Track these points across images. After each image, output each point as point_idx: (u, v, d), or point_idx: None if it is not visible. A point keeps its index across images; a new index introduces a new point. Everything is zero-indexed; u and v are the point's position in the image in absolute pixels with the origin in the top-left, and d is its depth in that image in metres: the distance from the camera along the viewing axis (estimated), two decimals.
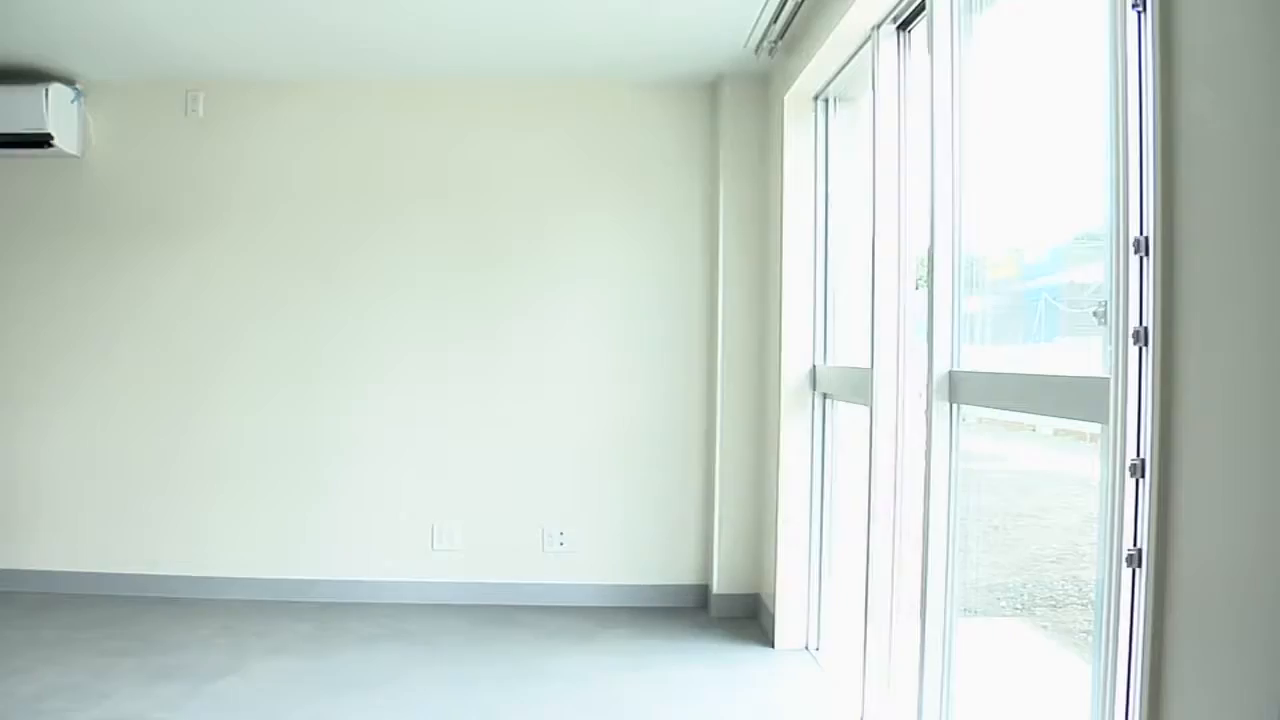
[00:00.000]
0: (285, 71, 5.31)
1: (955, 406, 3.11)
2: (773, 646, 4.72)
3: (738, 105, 5.21)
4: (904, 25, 3.58)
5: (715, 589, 5.24)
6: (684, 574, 5.43)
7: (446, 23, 4.57)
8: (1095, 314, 2.37)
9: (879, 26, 3.64)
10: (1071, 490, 3.28)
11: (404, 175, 5.44)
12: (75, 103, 5.38)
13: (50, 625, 4.92)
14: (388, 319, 5.42)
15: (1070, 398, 2.44)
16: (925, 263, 3.26)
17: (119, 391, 5.52)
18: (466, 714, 3.88)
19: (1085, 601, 3.00)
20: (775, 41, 4.55)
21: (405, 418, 5.42)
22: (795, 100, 4.68)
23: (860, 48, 3.90)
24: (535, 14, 4.43)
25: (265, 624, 4.99)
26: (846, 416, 4.47)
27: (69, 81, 5.36)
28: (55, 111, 5.21)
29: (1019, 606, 3.52)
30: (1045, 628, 3.41)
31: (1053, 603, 3.34)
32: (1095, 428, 2.27)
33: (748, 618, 5.16)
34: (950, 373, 3.12)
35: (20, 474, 5.57)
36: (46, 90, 5.16)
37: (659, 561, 5.43)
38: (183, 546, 5.49)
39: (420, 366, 5.42)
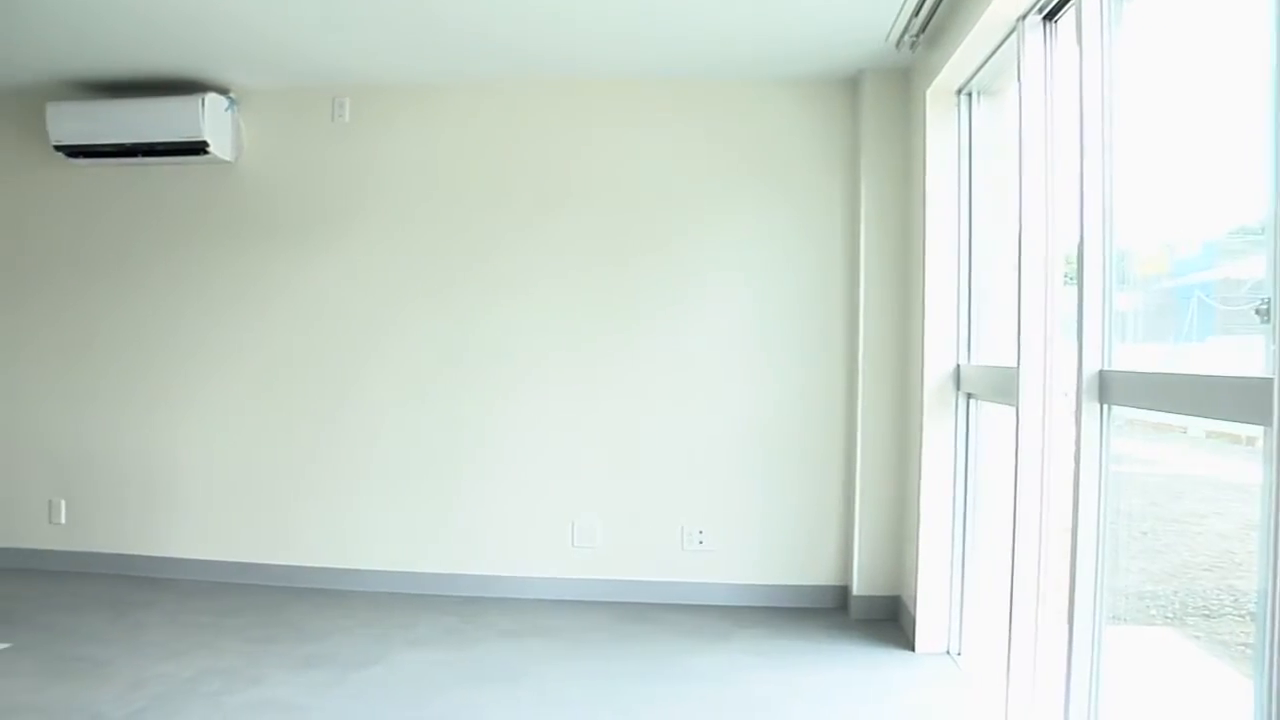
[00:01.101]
0: (425, 75, 5.43)
1: (1106, 407, 3.01)
2: (913, 650, 4.64)
3: (878, 100, 5.13)
4: (1050, 15, 3.48)
5: (855, 590, 5.17)
6: (823, 574, 5.37)
7: (581, 23, 4.60)
8: (1258, 311, 2.27)
9: (1024, 18, 3.54)
10: (1225, 495, 3.14)
11: (538, 175, 5.51)
12: (229, 111, 5.60)
13: (203, 612, 5.14)
14: (527, 317, 5.50)
15: (1230, 399, 2.33)
16: (1073, 258, 3.16)
17: (270, 387, 5.73)
18: (605, 709, 3.91)
19: (1243, 613, 2.87)
20: (916, 35, 4.47)
21: (546, 416, 5.50)
22: (937, 95, 4.59)
23: (1004, 40, 3.81)
24: (675, 12, 4.44)
25: (408, 616, 5.12)
26: (991, 416, 4.37)
27: (223, 91, 5.60)
28: (210, 120, 5.43)
29: (1170, 615, 3.38)
30: (1198, 638, 3.28)
31: (1206, 612, 3.20)
32: (1254, 430, 2.17)
33: (888, 620, 5.09)
34: (1101, 372, 3.02)
35: (176, 467, 5.83)
36: (203, 100, 5.39)
37: (798, 561, 5.39)
38: (328, 539, 5.67)
39: (560, 365, 5.49)
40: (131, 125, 5.45)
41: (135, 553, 5.87)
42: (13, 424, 5.99)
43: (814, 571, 5.38)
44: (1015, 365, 3.58)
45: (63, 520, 5.97)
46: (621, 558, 5.47)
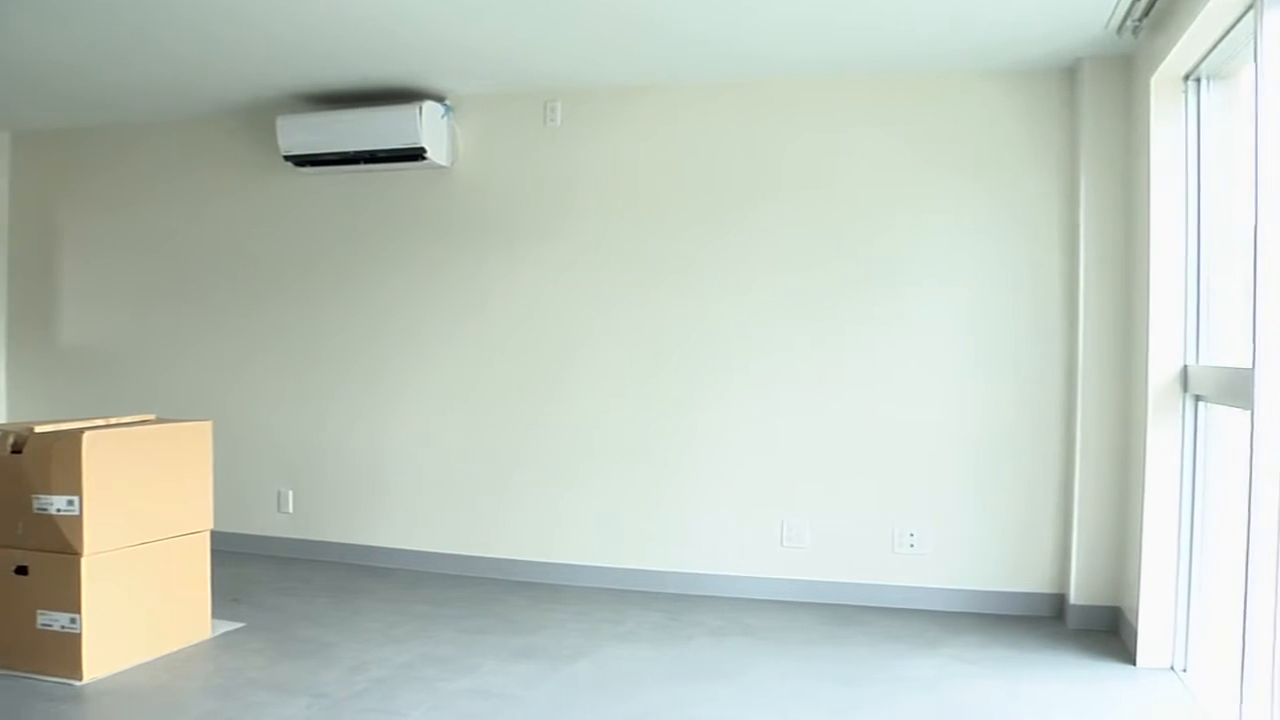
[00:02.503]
0: (632, 77, 5.50)
1: None
2: (1134, 664, 4.42)
3: (1098, 90, 4.91)
4: None
5: (1072, 599, 4.97)
6: (1037, 581, 5.19)
7: (789, 20, 4.57)
8: None
9: None
10: None
11: (745, 174, 5.50)
12: (445, 118, 5.80)
13: (420, 601, 5.34)
14: (735, 317, 5.51)
15: None
16: None
17: (482, 383, 5.91)
18: (810, 710, 3.87)
19: None
20: (1140, 19, 4.26)
21: (754, 415, 5.49)
22: (1163, 81, 4.35)
23: (1239, 19, 3.58)
24: (877, 2, 4.36)
25: (617, 611, 5.19)
26: (1222, 420, 4.12)
27: (439, 98, 5.80)
28: (427, 126, 5.64)
29: None
30: None
31: None
32: None
33: (1107, 631, 4.86)
34: None
35: (395, 460, 6.10)
36: (420, 108, 5.60)
37: (1011, 567, 5.22)
38: (540, 534, 5.81)
39: (768, 365, 5.47)
40: (353, 134, 5.72)
41: (356, 542, 6.17)
42: (247, 419, 6.38)
43: (1028, 578, 5.20)
44: (1250, 366, 3.37)
45: (290, 509, 6.33)
46: (830, 558, 5.41)
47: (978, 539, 5.25)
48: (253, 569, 5.96)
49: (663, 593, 5.55)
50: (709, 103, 5.56)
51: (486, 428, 5.92)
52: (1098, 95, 4.91)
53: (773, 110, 5.48)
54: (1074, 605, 4.96)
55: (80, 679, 4.00)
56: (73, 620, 4.03)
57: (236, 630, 4.77)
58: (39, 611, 4.07)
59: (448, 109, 5.83)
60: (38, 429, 4.16)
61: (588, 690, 4.06)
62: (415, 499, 6.08)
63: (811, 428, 5.42)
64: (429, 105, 5.67)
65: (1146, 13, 4.19)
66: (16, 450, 4.14)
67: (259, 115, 6.24)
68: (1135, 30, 4.37)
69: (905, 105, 5.32)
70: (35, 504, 4.07)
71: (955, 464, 5.27)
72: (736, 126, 5.53)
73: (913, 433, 5.31)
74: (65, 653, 4.03)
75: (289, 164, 5.96)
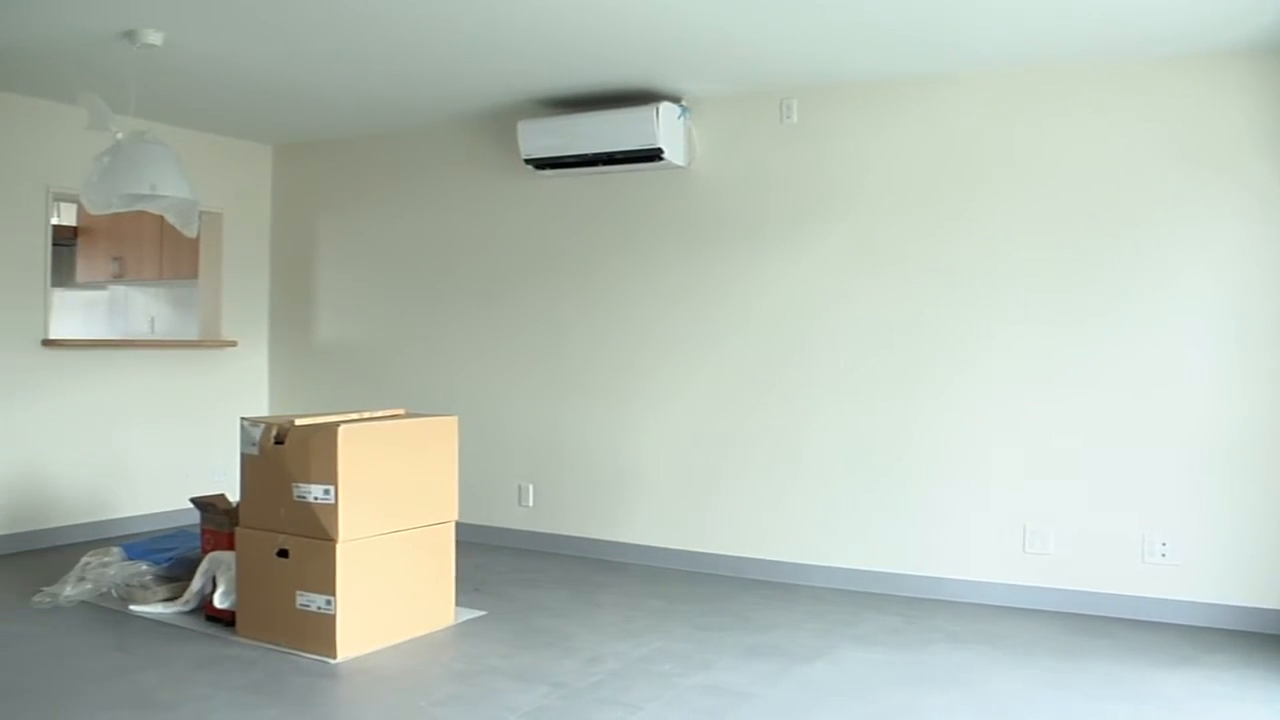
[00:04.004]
0: (869, 73, 5.39)
1: None
2: None
3: None
4: None
5: None
6: None
7: (1032, 12, 4.38)
8: None
9: None
10: None
11: (983, 167, 5.30)
12: (681, 118, 5.83)
13: (655, 596, 5.38)
14: (973, 314, 5.32)
15: None
16: None
17: (719, 380, 5.93)
18: None
19: None
20: None
21: (995, 414, 5.28)
22: None
23: None
24: None
25: (852, 613, 5.10)
26: None
27: (675, 99, 5.84)
28: (664, 127, 5.69)
29: None
30: None
31: None
32: None
33: None
34: None
35: (631, 458, 6.18)
36: (657, 109, 5.65)
37: (1272, 582, 4.83)
38: (772, 532, 5.77)
39: (1015, 362, 5.24)
40: (591, 137, 5.83)
41: (593, 536, 6.28)
42: (491, 415, 6.60)
43: None
44: None
45: (530, 503, 6.50)
46: (1074, 566, 5.14)
47: (1235, 550, 4.87)
48: (494, 560, 6.15)
49: (898, 595, 5.41)
50: (944, 96, 5.38)
51: (722, 425, 5.92)
52: None
53: (1013, 101, 5.25)
54: None
55: (334, 657, 4.22)
56: (328, 602, 4.25)
57: (478, 618, 4.93)
58: (298, 592, 4.31)
59: (684, 110, 5.86)
60: (298, 422, 4.41)
61: (824, 691, 3.99)
62: (651, 495, 6.14)
63: (1057, 429, 5.16)
64: (665, 106, 5.71)
65: None
66: (279, 441, 4.39)
67: (500, 120, 6.44)
68: None
69: (1139, 91, 5.00)
70: (295, 492, 4.32)
71: (1211, 470, 4.91)
72: (974, 119, 5.33)
73: (1164, 435, 4.97)
74: (321, 632, 4.26)
75: (529, 167, 6.12)
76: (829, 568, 5.61)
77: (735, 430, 5.88)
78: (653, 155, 5.73)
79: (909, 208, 5.46)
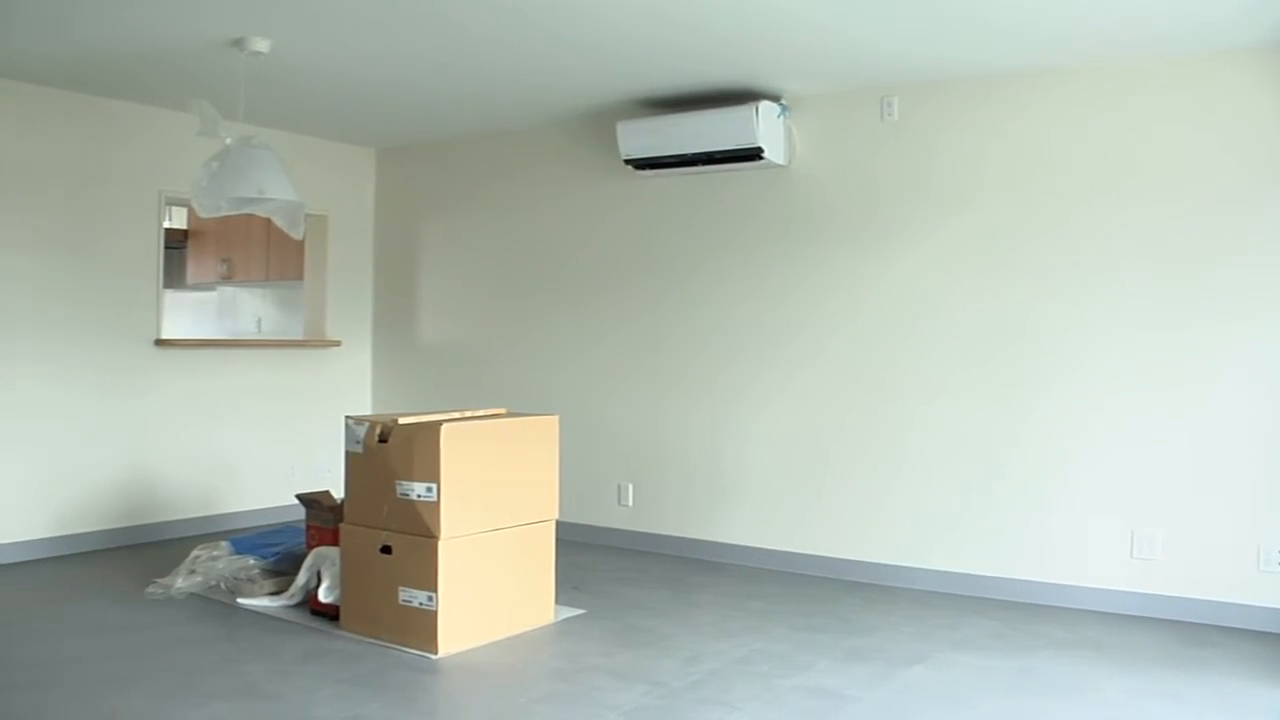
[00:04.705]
0: (972, 70, 5.31)
1: None
2: None
3: None
4: None
5: None
6: None
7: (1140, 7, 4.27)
8: None
9: None
10: None
11: (1086, 165, 5.16)
12: (781, 117, 5.80)
13: (754, 597, 5.36)
14: (1081, 310, 5.19)
15: None
16: None
17: (820, 380, 5.88)
18: None
19: None
20: None
21: (1102, 414, 5.15)
22: None
23: None
24: None
25: (952, 616, 5.02)
26: None
27: (775, 98, 5.81)
28: (764, 126, 5.66)
29: None
30: None
31: None
32: None
33: None
34: None
35: (732, 458, 6.16)
36: (756, 108, 5.62)
37: None
38: (872, 534, 5.71)
39: (1123, 363, 5.10)
40: (691, 136, 5.83)
41: (691, 536, 6.28)
42: (590, 414, 6.63)
43: None
44: None
45: (630, 503, 6.52)
46: (1184, 573, 4.99)
47: None
48: (593, 559, 6.18)
49: (999, 600, 5.31)
50: (1049, 92, 5.26)
51: (823, 425, 5.88)
52: None
53: (1121, 97, 5.11)
54: None
55: (436, 653, 4.28)
56: (430, 598, 4.31)
57: (578, 617, 4.95)
58: (401, 588, 4.38)
59: (784, 109, 5.83)
60: (401, 420, 4.48)
61: (925, 696, 3.93)
62: (751, 496, 6.12)
63: (1168, 430, 5.01)
64: (765, 105, 5.69)
65: None
66: (383, 440, 4.46)
67: (599, 120, 6.48)
68: None
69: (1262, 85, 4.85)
70: (398, 489, 4.38)
71: None
72: (1080, 115, 5.19)
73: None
74: (423, 628, 4.32)
75: (628, 167, 6.15)
76: (929, 570, 5.53)
77: (837, 431, 5.83)
78: (753, 154, 5.71)
79: (1017, 206, 5.35)
